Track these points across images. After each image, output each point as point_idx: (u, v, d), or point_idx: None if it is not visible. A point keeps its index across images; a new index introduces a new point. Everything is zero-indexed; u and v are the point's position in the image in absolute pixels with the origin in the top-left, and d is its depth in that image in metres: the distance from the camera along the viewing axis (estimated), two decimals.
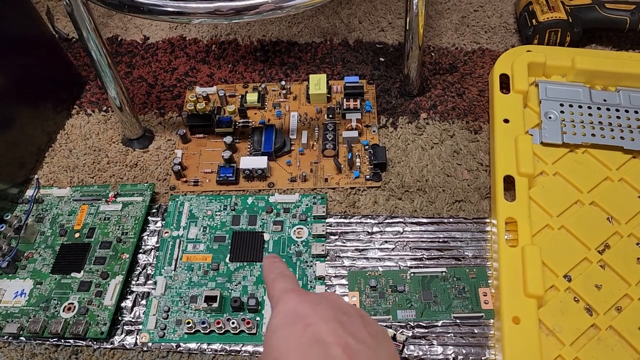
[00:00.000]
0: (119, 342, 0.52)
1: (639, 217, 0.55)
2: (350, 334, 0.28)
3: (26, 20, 0.64)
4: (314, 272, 0.55)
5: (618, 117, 0.62)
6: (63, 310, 0.53)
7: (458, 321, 0.52)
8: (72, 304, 0.53)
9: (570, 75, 0.65)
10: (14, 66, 0.62)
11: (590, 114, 0.62)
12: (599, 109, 0.62)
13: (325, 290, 0.54)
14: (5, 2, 0.60)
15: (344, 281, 0.55)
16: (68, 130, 0.69)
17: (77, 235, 0.58)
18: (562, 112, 0.62)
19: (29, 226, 0.58)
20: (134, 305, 0.54)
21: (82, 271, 0.55)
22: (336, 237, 0.58)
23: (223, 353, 0.51)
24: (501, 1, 0.78)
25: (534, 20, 0.69)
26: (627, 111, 0.62)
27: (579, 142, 0.60)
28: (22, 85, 0.63)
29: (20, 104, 0.63)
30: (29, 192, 0.62)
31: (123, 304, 0.54)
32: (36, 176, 0.64)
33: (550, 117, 0.62)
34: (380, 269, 0.55)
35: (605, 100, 0.63)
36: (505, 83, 0.65)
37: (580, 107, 0.63)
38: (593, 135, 0.60)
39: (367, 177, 0.61)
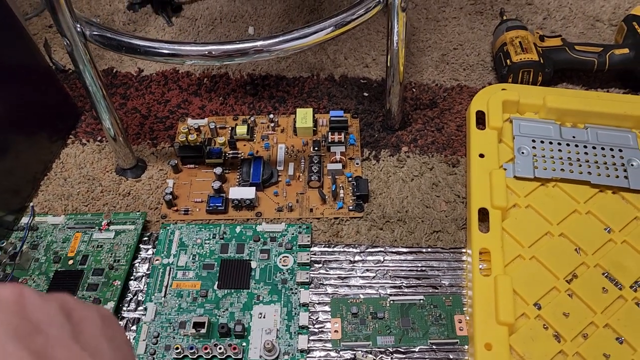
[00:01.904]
0: None
1: (604, 248, 0.59)
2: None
3: (24, 51, 0.66)
4: (299, 299, 0.57)
5: (586, 153, 0.65)
6: None
7: (434, 347, 0.54)
8: None
9: (542, 112, 0.69)
10: (11, 96, 0.64)
11: (560, 150, 0.66)
12: (568, 145, 0.66)
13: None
14: (4, 34, 0.63)
15: (327, 308, 0.57)
16: (63, 159, 0.71)
17: (70, 262, 0.60)
18: (534, 147, 0.66)
19: (24, 253, 0.60)
20: (124, 331, 0.56)
21: (75, 297, 0.57)
22: (320, 265, 0.61)
23: None
24: (479, 40, 0.82)
25: (508, 61, 0.73)
26: (594, 147, 0.66)
27: (549, 177, 0.64)
28: (19, 115, 0.66)
29: (16, 133, 0.65)
30: (24, 220, 0.64)
31: None
32: (31, 204, 0.66)
33: (523, 152, 0.66)
34: (362, 296, 0.58)
35: (574, 137, 0.67)
36: (481, 119, 0.68)
37: (551, 142, 0.67)
38: (562, 170, 0.64)
39: (350, 207, 0.64)
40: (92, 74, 0.59)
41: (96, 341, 0.21)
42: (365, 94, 0.77)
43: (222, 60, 0.54)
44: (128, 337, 0.19)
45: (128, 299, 0.59)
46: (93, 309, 0.23)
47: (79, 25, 0.54)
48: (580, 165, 0.64)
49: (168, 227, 0.63)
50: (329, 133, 0.70)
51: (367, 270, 0.60)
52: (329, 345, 0.55)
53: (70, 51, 0.56)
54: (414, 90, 0.77)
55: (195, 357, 0.54)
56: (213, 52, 0.53)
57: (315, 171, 0.66)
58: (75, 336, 0.21)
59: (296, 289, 0.58)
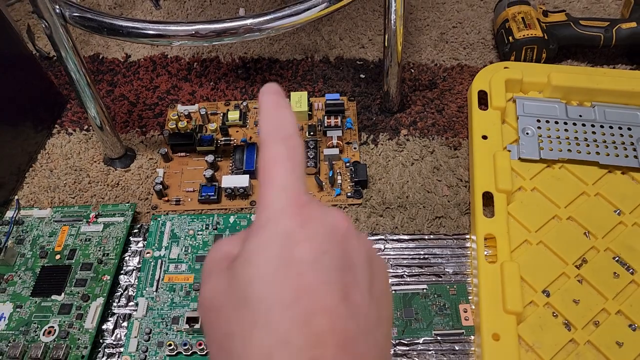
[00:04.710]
0: None
1: (614, 231, 0.57)
2: (350, 312, 0.21)
3: (5, 38, 0.63)
4: None
5: (594, 133, 0.63)
6: (43, 334, 0.52)
7: (439, 338, 0.52)
8: (53, 327, 0.53)
9: (547, 91, 0.66)
10: None
11: (566, 129, 0.63)
12: (574, 124, 0.64)
13: None
14: None
15: None
16: (49, 150, 0.68)
17: (57, 256, 0.58)
18: (539, 127, 0.63)
19: (9, 248, 0.58)
20: (115, 328, 0.54)
21: (62, 294, 0.55)
22: None
23: None
24: (479, 18, 0.79)
25: (510, 38, 0.70)
26: (602, 126, 0.63)
27: (555, 158, 0.61)
28: (1, 105, 0.63)
29: None
30: (9, 214, 0.62)
31: (104, 327, 0.54)
32: (16, 197, 0.63)
33: (527, 133, 0.63)
34: None
35: (581, 116, 0.64)
36: (483, 99, 0.65)
37: (556, 122, 0.64)
38: (569, 150, 0.61)
39: (349, 194, 0.62)
40: (74, 59, 0.56)
41: (382, 295, 0.23)
42: (362, 76, 0.74)
43: (211, 40, 0.51)
44: None
45: (118, 294, 0.56)
46: (384, 266, 0.25)
47: (57, 6, 0.51)
48: (587, 145, 0.62)
49: (159, 219, 0.61)
50: (325, 117, 0.67)
51: None
52: None
53: (50, 34, 0.53)
54: (413, 70, 0.74)
55: (189, 353, 0.51)
56: (200, 32, 0.50)
57: (311, 157, 0.64)
58: (371, 286, 0.23)
59: None
